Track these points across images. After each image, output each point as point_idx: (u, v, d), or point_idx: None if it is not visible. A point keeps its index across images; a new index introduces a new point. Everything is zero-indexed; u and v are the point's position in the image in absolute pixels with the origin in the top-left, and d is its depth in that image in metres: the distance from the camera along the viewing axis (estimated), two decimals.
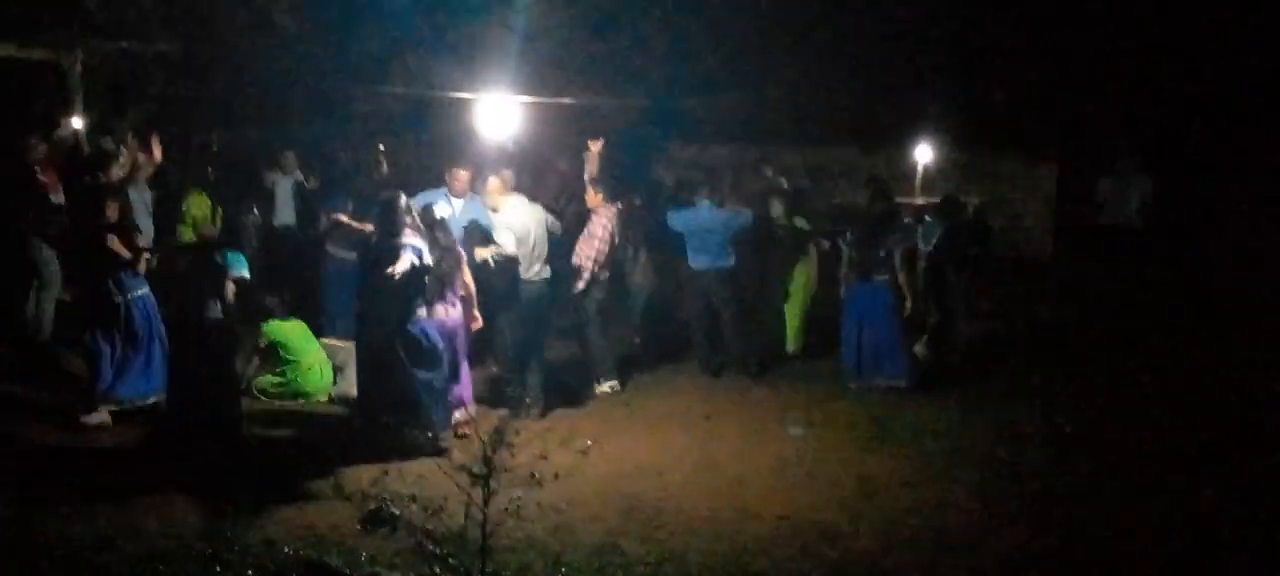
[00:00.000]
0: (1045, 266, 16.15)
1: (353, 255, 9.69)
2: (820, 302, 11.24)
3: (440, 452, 7.15)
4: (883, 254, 9.68)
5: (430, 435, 7.45)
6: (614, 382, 9.79)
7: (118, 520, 6.19)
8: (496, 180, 9.03)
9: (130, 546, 5.88)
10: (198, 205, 9.73)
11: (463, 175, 9.47)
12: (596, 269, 9.54)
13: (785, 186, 12.05)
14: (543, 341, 9.34)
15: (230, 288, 8.04)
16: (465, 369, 8.40)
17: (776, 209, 11.00)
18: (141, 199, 9.62)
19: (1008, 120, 16.12)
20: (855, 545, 6.40)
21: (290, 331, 9.28)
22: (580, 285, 9.53)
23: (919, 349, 10.29)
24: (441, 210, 8.60)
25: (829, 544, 6.40)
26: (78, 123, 10.65)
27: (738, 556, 6.20)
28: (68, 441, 7.82)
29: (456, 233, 8.62)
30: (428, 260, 7.76)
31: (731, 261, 10.42)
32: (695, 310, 10.55)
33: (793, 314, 11.14)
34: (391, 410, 7.60)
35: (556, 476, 5.42)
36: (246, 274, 8.30)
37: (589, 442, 5.83)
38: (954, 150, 15.30)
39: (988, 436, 8.48)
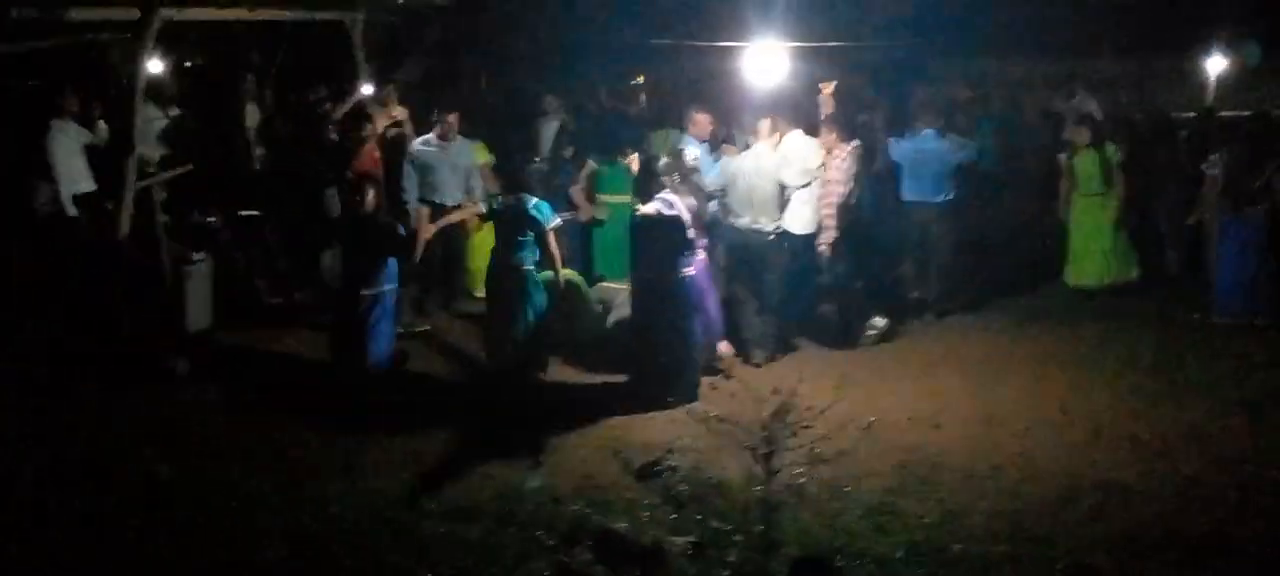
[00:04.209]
0: None
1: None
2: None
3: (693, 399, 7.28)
4: (1262, 183, 8.99)
5: (689, 391, 7.68)
6: (884, 320, 9.37)
7: (419, 477, 6.57)
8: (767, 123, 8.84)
9: (434, 505, 6.19)
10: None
11: (702, 119, 9.45)
12: (843, 216, 9.00)
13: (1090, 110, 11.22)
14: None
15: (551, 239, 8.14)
16: (717, 309, 8.43)
17: (1082, 138, 10.27)
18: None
19: None
20: (1148, 508, 6.07)
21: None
22: (829, 237, 8.97)
23: None
24: (691, 154, 8.41)
25: (1119, 505, 6.10)
26: (367, 88, 11.16)
27: (1021, 518, 5.98)
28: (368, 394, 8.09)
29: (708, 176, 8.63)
30: (686, 216, 7.80)
31: (949, 196, 9.84)
32: (908, 247, 10.09)
33: (1094, 248, 10.30)
34: (659, 367, 7.78)
35: (841, 453, 5.37)
36: (558, 222, 8.39)
37: (872, 420, 5.71)
38: (1256, 56, 13.76)
39: None
